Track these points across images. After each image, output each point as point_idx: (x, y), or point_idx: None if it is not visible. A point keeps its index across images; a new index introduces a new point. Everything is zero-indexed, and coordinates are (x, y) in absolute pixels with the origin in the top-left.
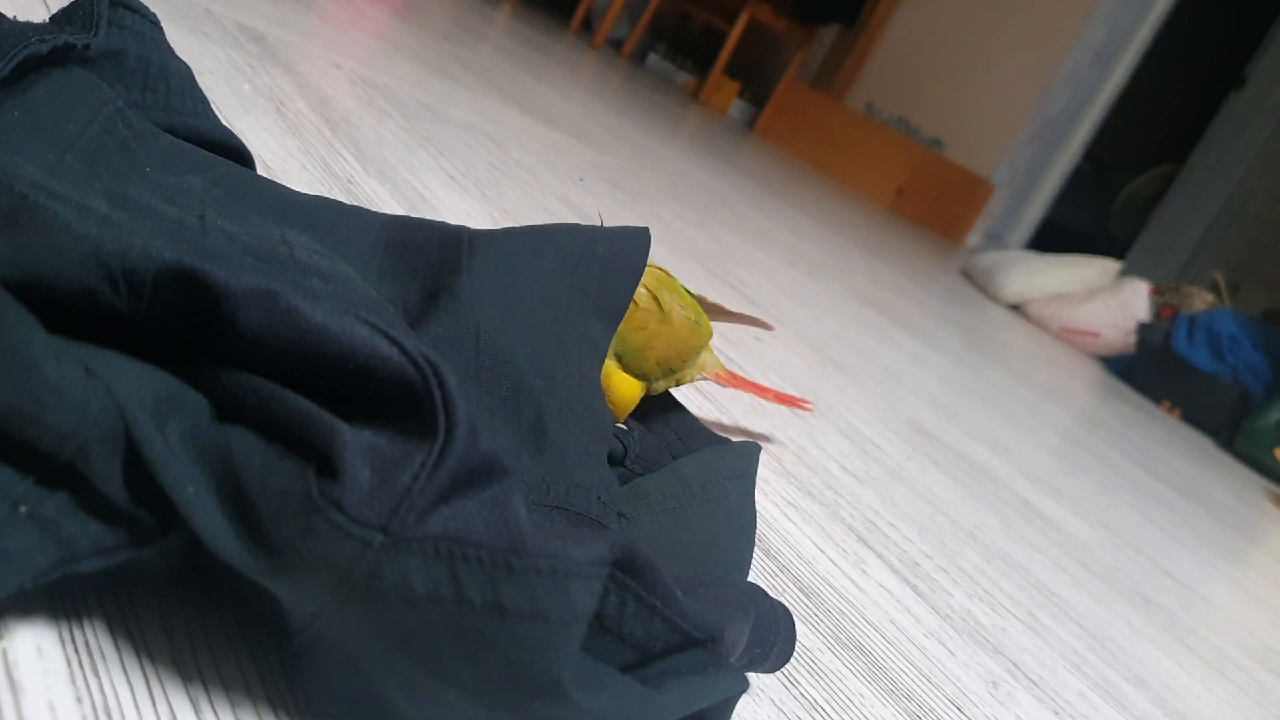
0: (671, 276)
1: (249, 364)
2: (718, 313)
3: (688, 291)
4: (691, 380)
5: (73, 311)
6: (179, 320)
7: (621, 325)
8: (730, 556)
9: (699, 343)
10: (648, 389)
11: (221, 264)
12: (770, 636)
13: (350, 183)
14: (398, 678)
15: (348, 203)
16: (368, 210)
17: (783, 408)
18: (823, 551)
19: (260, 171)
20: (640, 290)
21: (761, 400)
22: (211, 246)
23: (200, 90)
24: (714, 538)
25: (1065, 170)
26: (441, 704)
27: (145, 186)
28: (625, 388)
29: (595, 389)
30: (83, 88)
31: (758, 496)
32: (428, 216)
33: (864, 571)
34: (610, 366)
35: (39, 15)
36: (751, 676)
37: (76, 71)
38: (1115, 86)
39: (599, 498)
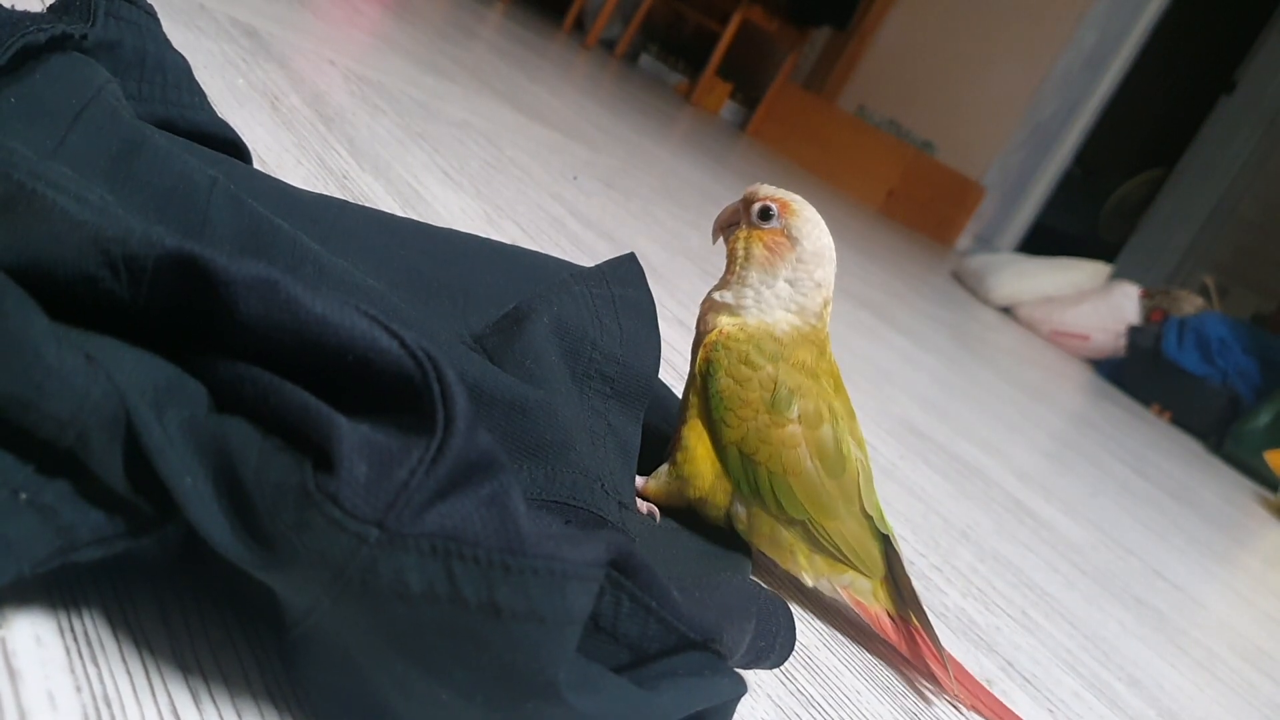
0: (852, 416)
1: (248, 353)
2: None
3: (875, 500)
4: (819, 576)
5: (72, 298)
6: (179, 307)
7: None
8: (726, 560)
9: (832, 504)
10: (729, 495)
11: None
12: (771, 631)
13: (345, 178)
14: (391, 675)
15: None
16: (371, 209)
17: None
18: None
19: (256, 166)
20: (767, 366)
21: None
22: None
23: (196, 83)
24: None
25: (1056, 174)
26: (435, 703)
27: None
28: (697, 444)
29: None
30: (80, 69)
31: None
32: (422, 212)
33: None
34: (697, 421)
35: (36, 6)
36: (749, 673)
37: (74, 55)
38: (1106, 91)
39: (601, 485)
